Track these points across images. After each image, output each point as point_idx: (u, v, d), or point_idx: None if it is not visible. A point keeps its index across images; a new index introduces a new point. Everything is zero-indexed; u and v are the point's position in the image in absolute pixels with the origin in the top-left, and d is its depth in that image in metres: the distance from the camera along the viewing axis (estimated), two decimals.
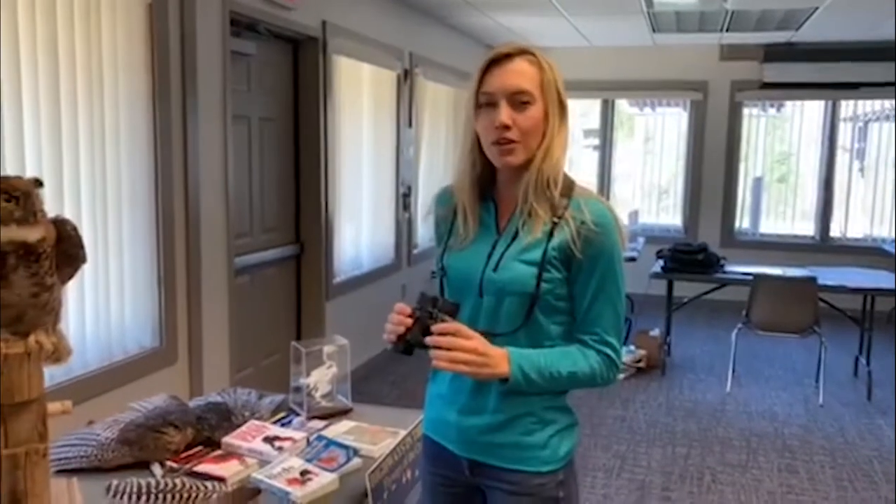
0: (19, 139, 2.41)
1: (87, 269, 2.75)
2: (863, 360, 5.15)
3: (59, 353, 1.61)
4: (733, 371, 5.03)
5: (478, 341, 1.41)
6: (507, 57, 1.47)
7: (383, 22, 5.15)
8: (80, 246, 1.55)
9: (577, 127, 8.26)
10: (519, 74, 1.46)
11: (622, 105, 8.10)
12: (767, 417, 4.45)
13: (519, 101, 1.45)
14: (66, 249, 1.50)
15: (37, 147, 2.48)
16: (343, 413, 2.22)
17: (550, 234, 1.45)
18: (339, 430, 2.05)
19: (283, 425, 2.10)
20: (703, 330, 6.45)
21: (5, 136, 2.36)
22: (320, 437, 1.95)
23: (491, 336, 1.45)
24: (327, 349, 2.25)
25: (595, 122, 8.08)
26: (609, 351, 1.48)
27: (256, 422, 2.06)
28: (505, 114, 1.44)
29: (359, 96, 4.89)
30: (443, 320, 1.42)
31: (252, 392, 2.29)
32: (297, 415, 2.18)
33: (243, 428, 2.01)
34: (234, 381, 3.67)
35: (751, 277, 4.84)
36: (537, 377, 1.44)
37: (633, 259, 6.04)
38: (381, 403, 4.53)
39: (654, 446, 3.99)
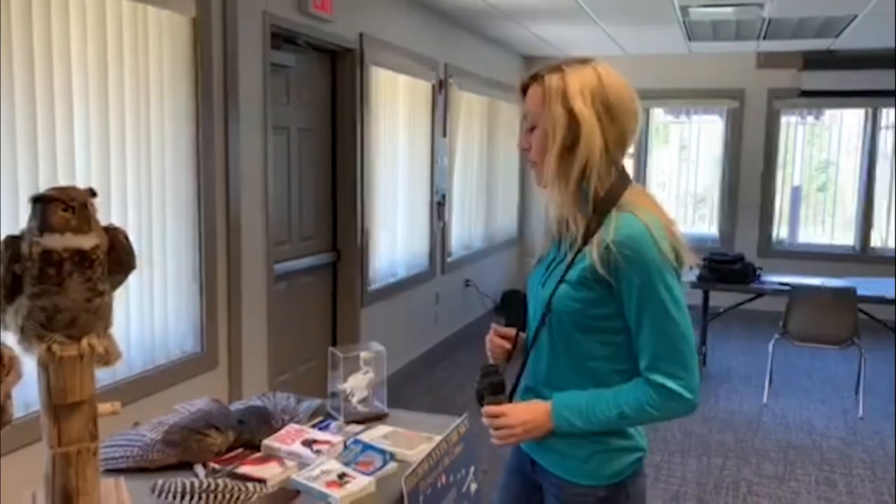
0: (70, 150, 2.51)
1: (132, 275, 2.84)
2: None
3: (109, 357, 1.67)
4: (770, 382, 4.97)
5: (518, 414, 1.52)
6: (528, 83, 1.51)
7: (418, 33, 5.21)
8: (131, 253, 1.62)
9: None
10: (528, 100, 1.50)
11: (657, 113, 8.07)
12: (805, 429, 4.39)
13: (529, 125, 1.51)
14: (118, 257, 1.56)
15: (86, 158, 2.58)
16: (379, 418, 2.25)
17: (582, 253, 1.44)
18: (375, 434, 2.09)
19: (320, 429, 2.15)
20: (739, 340, 6.38)
21: (58, 146, 2.45)
22: (357, 441, 1.99)
23: (537, 362, 1.56)
24: (364, 355, 2.29)
25: None
26: (661, 379, 1.40)
27: (295, 425, 2.10)
28: (522, 137, 1.53)
29: (394, 106, 4.95)
30: (491, 403, 1.58)
31: (290, 397, 2.35)
32: (335, 419, 2.23)
33: (282, 431, 2.06)
34: (273, 386, 3.74)
35: (788, 288, 4.79)
36: (585, 424, 1.47)
37: None
38: (416, 410, 4.58)
39: (688, 457, 3.97)
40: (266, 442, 2.00)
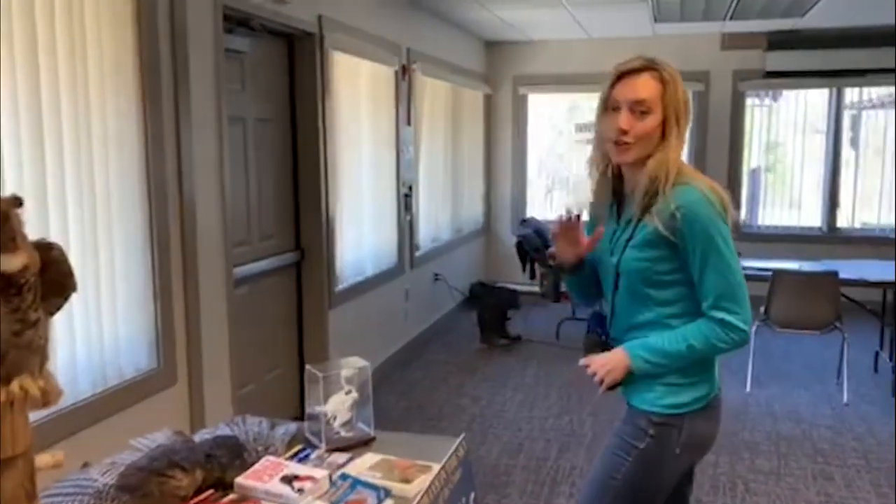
0: None
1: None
2: (884, 356, 4.99)
3: (47, 398, 1.40)
4: (752, 370, 4.84)
5: (599, 362, 1.82)
6: (636, 71, 1.73)
7: (380, 16, 4.93)
8: (69, 273, 1.34)
9: (569, 122, 8.09)
10: (643, 87, 1.72)
11: None
12: (793, 419, 4.28)
13: (639, 110, 1.72)
14: (53, 277, 1.30)
15: (17, 157, 2.26)
16: (366, 443, 2.01)
17: (646, 220, 1.73)
18: (363, 465, 1.85)
19: (300, 460, 1.89)
20: None
21: None
22: (345, 476, 1.75)
23: (617, 318, 1.86)
24: (346, 373, 2.04)
25: (587, 115, 7.90)
26: (721, 314, 1.70)
27: (271, 457, 1.84)
28: (625, 119, 1.72)
29: (357, 94, 4.67)
30: (585, 355, 1.88)
31: (263, 422, 2.08)
32: (315, 447, 1.97)
33: (257, 466, 1.80)
34: (237, 399, 3.46)
35: (769, 273, 4.66)
36: (658, 358, 1.74)
37: None
38: (390, 417, 4.35)
39: None
40: (239, 480, 1.74)
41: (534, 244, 6.74)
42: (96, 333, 2.59)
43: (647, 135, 1.71)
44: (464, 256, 7.04)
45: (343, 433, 2.04)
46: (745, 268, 4.93)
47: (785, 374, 5.08)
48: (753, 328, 4.71)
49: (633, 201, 1.77)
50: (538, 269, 6.98)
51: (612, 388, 1.82)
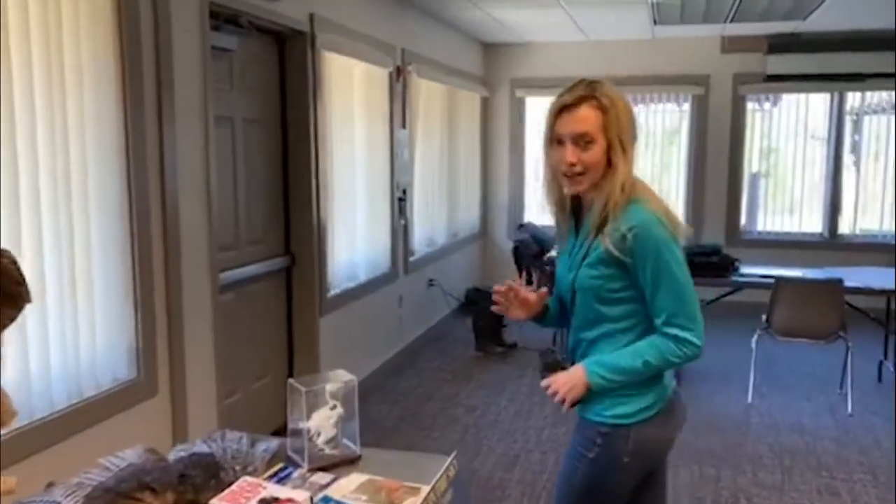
0: None
1: (50, 295, 2.41)
2: (888, 365, 4.88)
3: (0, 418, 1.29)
4: (754, 380, 4.73)
5: (561, 380, 1.86)
6: (574, 105, 1.77)
7: (374, 15, 4.83)
8: (21, 282, 1.23)
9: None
10: (583, 120, 1.76)
11: None
12: (797, 430, 4.16)
13: (583, 141, 1.76)
14: (3, 288, 1.19)
15: None
16: (351, 462, 1.89)
17: (599, 240, 1.78)
18: (348, 486, 1.73)
19: (280, 480, 1.78)
20: (716, 335, 6.09)
21: None
22: (327, 500, 1.63)
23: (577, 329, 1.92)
24: (330, 387, 1.92)
25: None
26: (675, 331, 1.76)
27: (249, 478, 1.72)
28: (571, 153, 1.77)
29: (350, 95, 4.56)
30: (544, 375, 1.92)
31: (243, 438, 1.96)
32: (297, 466, 1.86)
33: (234, 487, 1.67)
34: (222, 409, 3.34)
35: (771, 281, 4.55)
36: (615, 375, 1.79)
37: None
38: (383, 427, 4.23)
39: (678, 466, 3.70)
40: (214, 502, 1.63)
41: (531, 250, 6.63)
42: (72, 342, 2.46)
43: (594, 164, 1.77)
44: (459, 262, 6.92)
45: (327, 450, 1.93)
46: (745, 275, 4.88)
47: (787, 385, 4.96)
48: (754, 338, 4.65)
49: (588, 219, 1.83)
50: (535, 275, 6.87)
51: (573, 404, 1.88)
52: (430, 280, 6.07)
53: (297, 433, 1.92)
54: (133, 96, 2.68)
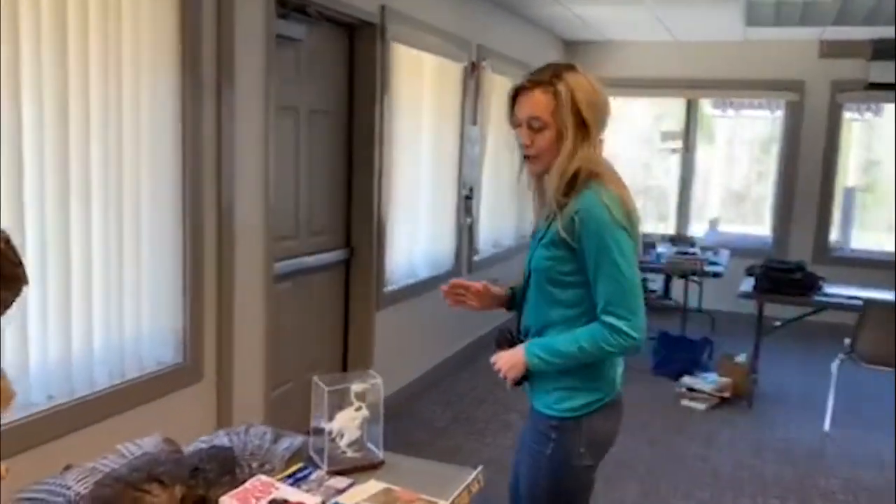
0: (16, 130, 2.09)
1: (96, 276, 2.43)
2: None
3: None
4: (832, 407, 4.41)
5: (504, 358, 1.90)
6: (527, 88, 1.80)
7: (449, 9, 4.74)
8: (17, 263, 1.19)
9: (654, 129, 7.72)
10: (535, 104, 1.79)
11: (704, 105, 7.47)
12: (876, 466, 3.85)
13: (535, 126, 1.80)
14: (1, 270, 1.15)
15: (38, 137, 2.16)
16: (372, 467, 1.81)
17: (553, 222, 1.80)
18: (362, 493, 1.65)
19: (296, 480, 1.71)
20: (795, 356, 5.79)
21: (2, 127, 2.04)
22: None
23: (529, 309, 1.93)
24: (356, 388, 1.85)
25: (673, 123, 7.49)
26: (611, 320, 1.76)
27: (264, 476, 1.67)
28: (525, 135, 1.82)
29: (419, 89, 4.49)
30: (496, 351, 1.96)
31: (267, 433, 1.91)
32: (317, 467, 1.79)
33: (247, 485, 1.63)
34: (271, 399, 3.32)
35: (859, 303, 4.23)
36: (551, 357, 1.83)
37: (717, 275, 5.49)
38: (434, 427, 4.16)
39: (742, 495, 3.47)
40: (224, 500, 1.57)
41: None
42: (116, 324, 2.48)
43: (547, 148, 1.79)
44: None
45: (349, 453, 1.85)
46: (830, 294, 4.55)
47: (869, 416, 4.61)
48: (836, 362, 4.34)
49: (545, 205, 1.87)
50: None
51: (518, 383, 1.91)
52: (495, 280, 5.94)
53: (320, 432, 1.86)
54: (191, 81, 2.68)
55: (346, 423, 1.86)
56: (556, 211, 1.78)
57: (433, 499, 1.61)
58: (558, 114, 1.75)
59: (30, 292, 2.15)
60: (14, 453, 2.07)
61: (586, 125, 1.77)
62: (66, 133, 2.24)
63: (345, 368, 4.07)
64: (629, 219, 1.77)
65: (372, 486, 1.69)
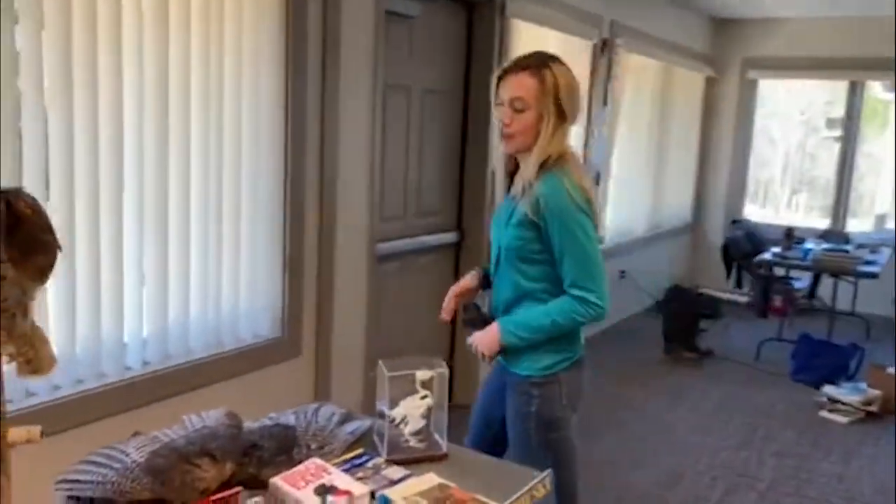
0: (118, 103, 2.16)
1: (193, 249, 2.49)
2: None
3: (36, 364, 1.27)
4: None
5: (479, 337, 2.04)
6: (515, 71, 1.91)
7: None
8: (46, 229, 1.18)
9: (821, 116, 7.06)
10: (519, 85, 1.89)
11: (873, 89, 6.74)
12: None
13: (517, 106, 1.89)
14: (27, 235, 1.13)
15: (138, 107, 2.22)
16: (433, 460, 1.72)
17: (521, 202, 1.91)
18: (416, 487, 1.55)
19: (353, 466, 1.65)
20: None
21: (102, 97, 2.11)
22: (384, 500, 1.47)
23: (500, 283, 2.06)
24: (420, 375, 1.76)
25: (843, 109, 6.79)
26: (580, 293, 1.91)
27: (318, 460, 1.62)
28: (506, 114, 1.92)
29: None
30: (467, 331, 2.09)
31: (337, 414, 1.86)
32: (378, 454, 1.72)
33: (301, 467, 1.58)
34: (369, 377, 3.32)
35: None
36: (526, 332, 1.97)
37: (872, 276, 4.94)
38: None
39: None
40: (275, 480, 1.53)
41: (742, 249, 5.97)
42: (214, 297, 2.54)
43: (525, 129, 1.90)
44: (660, 255, 6.42)
45: (412, 442, 1.77)
46: None
47: None
48: None
49: (517, 184, 1.95)
50: (745, 278, 6.19)
51: (492, 358, 2.04)
52: (622, 272, 5.68)
53: (384, 415, 1.79)
54: (296, 56, 2.68)
55: (411, 411, 1.78)
56: (527, 190, 1.89)
57: (489, 501, 1.50)
58: (541, 98, 1.87)
59: (125, 264, 2.23)
60: (107, 415, 2.16)
61: (564, 113, 1.89)
62: (166, 106, 2.29)
63: (452, 353, 4.00)
64: (589, 204, 1.91)
65: (428, 479, 1.60)
